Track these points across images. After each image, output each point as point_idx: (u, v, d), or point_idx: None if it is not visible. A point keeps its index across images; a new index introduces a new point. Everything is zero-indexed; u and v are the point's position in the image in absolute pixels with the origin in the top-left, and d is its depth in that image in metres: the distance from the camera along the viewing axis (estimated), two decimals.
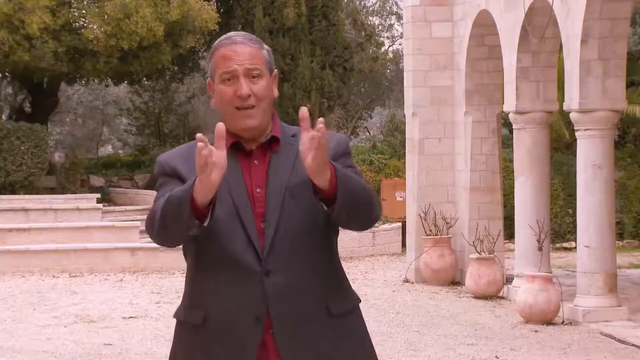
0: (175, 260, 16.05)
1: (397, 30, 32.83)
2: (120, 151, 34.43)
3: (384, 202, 19.28)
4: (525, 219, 13.14)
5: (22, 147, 20.49)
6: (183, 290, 3.42)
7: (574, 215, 14.62)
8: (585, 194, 11.64)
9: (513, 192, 13.95)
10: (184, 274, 3.43)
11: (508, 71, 13.37)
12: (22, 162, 20.50)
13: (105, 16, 19.81)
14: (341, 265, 3.38)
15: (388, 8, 33.15)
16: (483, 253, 13.80)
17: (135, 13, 19.51)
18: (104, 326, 11.60)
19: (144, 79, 25.15)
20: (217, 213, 3.11)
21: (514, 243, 14.15)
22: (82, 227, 18.14)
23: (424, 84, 15.11)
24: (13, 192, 20.26)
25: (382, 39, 31.21)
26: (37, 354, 10.04)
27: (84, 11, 20.80)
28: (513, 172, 13.92)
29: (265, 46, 3.33)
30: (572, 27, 11.54)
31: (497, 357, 9.80)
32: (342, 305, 3.30)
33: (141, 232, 17.68)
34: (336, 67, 23.80)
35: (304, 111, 3.00)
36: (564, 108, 11.94)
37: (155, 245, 3.27)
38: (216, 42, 3.32)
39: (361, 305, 3.41)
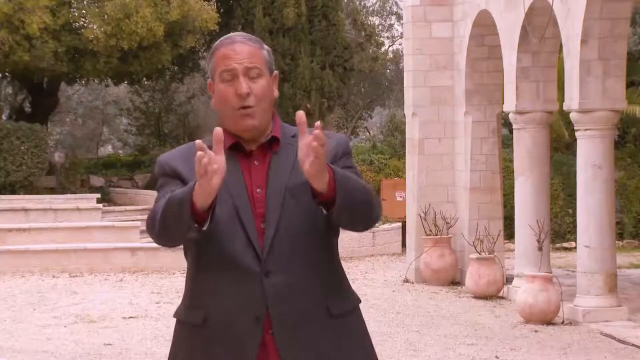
0: (175, 260, 16.05)
1: (397, 30, 32.85)
2: (120, 151, 34.44)
3: (384, 202, 19.29)
4: (525, 219, 13.14)
5: (22, 147, 20.49)
6: (183, 290, 3.43)
7: (574, 215, 14.62)
8: (585, 194, 11.64)
9: (513, 192, 13.95)
10: (184, 274, 3.43)
11: (508, 71, 13.37)
12: (22, 162, 20.50)
13: (105, 16, 19.81)
14: (341, 265, 3.38)
15: (388, 8, 33.16)
16: (483, 253, 13.80)
17: (135, 13, 19.52)
18: (104, 326, 11.60)
19: (144, 79, 25.16)
20: (217, 213, 3.11)
21: (514, 243, 14.16)
22: (82, 227, 18.14)
23: (424, 84, 15.11)
24: (13, 192, 20.26)
25: (382, 39, 31.22)
26: (37, 354, 10.04)
27: (84, 11, 20.80)
28: (513, 172, 13.92)
29: (266, 46, 3.33)
30: (572, 27, 11.54)
31: (497, 357, 9.80)
32: (342, 305, 3.30)
33: (141, 232, 17.68)
34: (336, 67, 23.80)
35: (300, 115, 2.99)
36: (564, 108, 11.94)
37: (155, 245, 3.27)
38: (216, 42, 3.33)
39: (361, 305, 3.41)
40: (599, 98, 11.49)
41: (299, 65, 23.05)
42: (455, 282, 14.95)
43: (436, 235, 14.93)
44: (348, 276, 3.42)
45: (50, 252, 16.76)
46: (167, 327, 11.06)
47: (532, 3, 12.50)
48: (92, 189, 22.34)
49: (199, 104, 29.85)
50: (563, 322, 11.60)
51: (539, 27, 12.60)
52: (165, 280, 15.65)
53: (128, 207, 21.04)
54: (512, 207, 13.99)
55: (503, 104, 13.94)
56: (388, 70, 32.50)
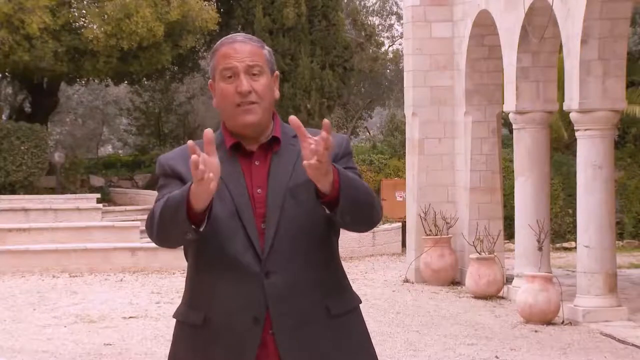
0: (175, 260, 16.05)
1: (397, 30, 32.84)
2: (120, 151, 34.43)
3: (384, 202, 19.29)
4: (525, 219, 13.14)
5: (22, 147, 20.49)
6: (183, 290, 3.43)
7: (574, 215, 14.62)
8: (585, 194, 11.64)
9: (513, 192, 13.95)
10: (184, 274, 3.43)
11: (508, 71, 13.37)
12: (22, 162, 20.50)
13: (105, 16, 19.81)
14: (341, 265, 3.38)
15: (388, 8, 33.14)
16: (483, 253, 13.80)
17: (135, 13, 19.51)
18: (104, 326, 11.60)
19: (144, 79, 25.15)
20: (218, 213, 3.11)
21: (514, 243, 14.16)
22: (82, 227, 18.14)
23: (424, 84, 15.11)
24: (13, 192, 20.26)
25: (382, 39, 31.20)
26: (37, 354, 10.04)
27: (84, 11, 20.80)
28: (513, 172, 13.92)
29: (267, 47, 3.34)
30: (572, 27, 11.54)
31: (497, 357, 9.80)
32: (342, 305, 3.30)
33: (141, 232, 17.68)
34: (336, 67, 23.80)
35: (293, 119, 2.97)
36: (564, 108, 11.94)
37: (155, 245, 3.26)
38: (217, 42, 3.34)
39: (361, 305, 3.41)
40: (599, 98, 11.49)
41: (299, 65, 23.05)
42: (455, 282, 14.95)
43: (436, 235, 14.93)
44: (348, 276, 3.42)
45: (50, 252, 16.76)
46: (167, 327, 11.06)
47: (532, 3, 12.49)
48: (92, 189, 22.34)
49: (199, 104, 29.85)
50: (563, 322, 11.60)
51: (539, 27, 12.60)
52: (165, 280, 15.65)
53: (128, 207, 21.05)
54: (512, 207, 13.99)
55: (503, 104, 13.94)
56: (388, 70, 32.47)
